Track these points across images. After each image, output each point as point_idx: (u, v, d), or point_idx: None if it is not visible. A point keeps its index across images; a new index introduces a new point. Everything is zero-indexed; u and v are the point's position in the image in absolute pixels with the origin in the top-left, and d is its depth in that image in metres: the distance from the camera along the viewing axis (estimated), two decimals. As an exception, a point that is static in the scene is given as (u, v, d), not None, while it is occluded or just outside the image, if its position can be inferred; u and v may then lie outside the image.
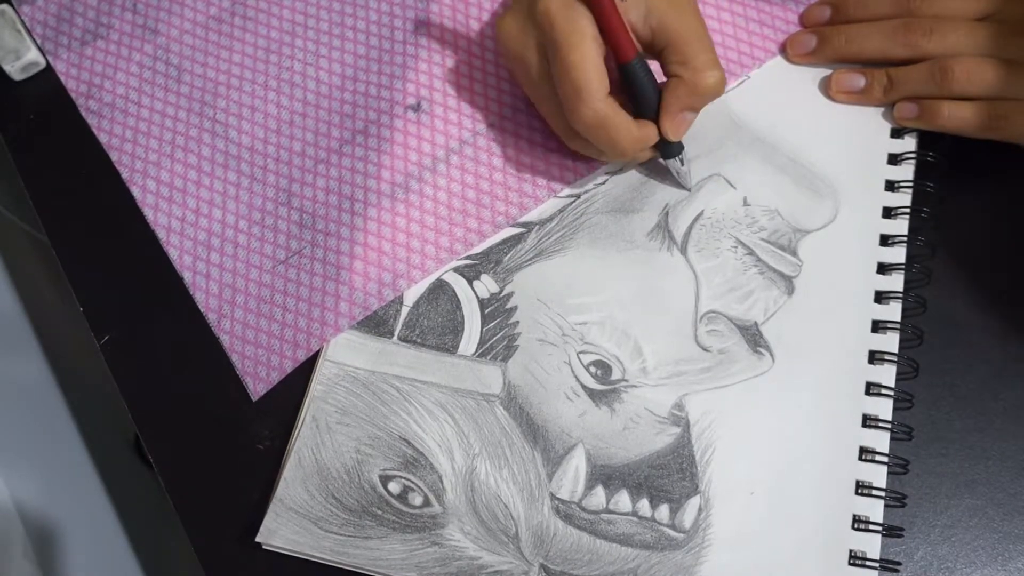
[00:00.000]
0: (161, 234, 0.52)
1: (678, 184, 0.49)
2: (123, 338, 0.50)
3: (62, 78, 0.56)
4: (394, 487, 0.45)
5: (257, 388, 0.47)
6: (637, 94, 0.46)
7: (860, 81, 0.50)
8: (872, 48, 0.50)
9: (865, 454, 0.43)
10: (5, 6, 0.57)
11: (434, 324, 0.48)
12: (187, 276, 0.50)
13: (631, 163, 0.50)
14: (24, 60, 0.55)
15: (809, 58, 0.51)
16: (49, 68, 0.56)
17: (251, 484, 0.46)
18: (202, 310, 0.49)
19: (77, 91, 0.56)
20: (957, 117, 0.48)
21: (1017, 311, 0.46)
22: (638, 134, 0.46)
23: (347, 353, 0.47)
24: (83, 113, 0.55)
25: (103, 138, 0.54)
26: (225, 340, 0.49)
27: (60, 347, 0.69)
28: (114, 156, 0.54)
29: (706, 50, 0.46)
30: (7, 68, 0.55)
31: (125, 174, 0.53)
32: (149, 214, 0.52)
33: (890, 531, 0.42)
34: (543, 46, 0.46)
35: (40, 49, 0.56)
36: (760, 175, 0.49)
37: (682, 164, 0.48)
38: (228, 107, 0.54)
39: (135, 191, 0.53)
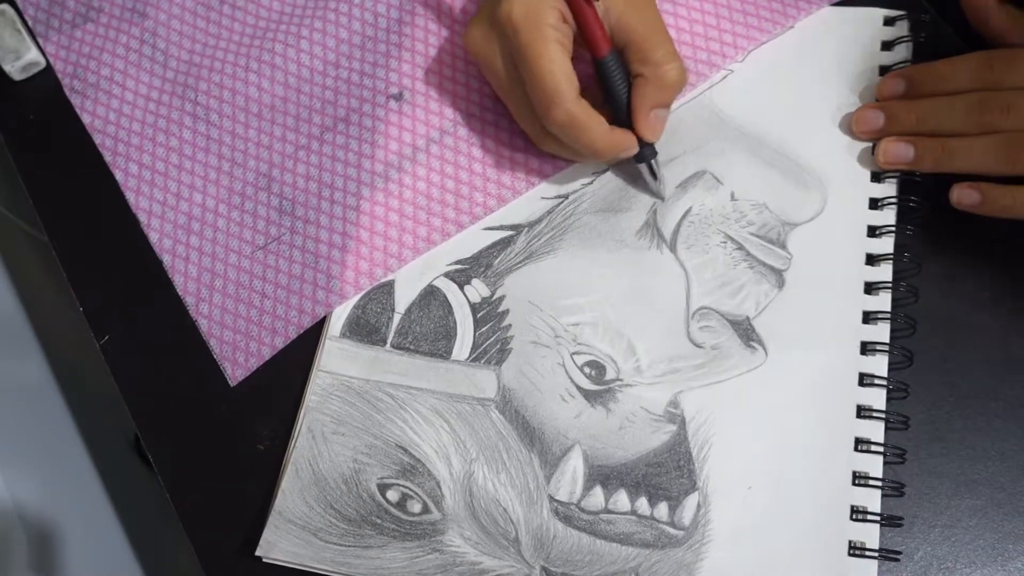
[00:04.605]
0: (142, 217, 0.52)
1: (646, 194, 0.49)
2: (123, 338, 0.50)
3: (50, 59, 0.56)
4: (392, 495, 0.45)
5: (235, 373, 0.48)
6: (610, 90, 0.47)
7: (910, 153, 0.47)
8: (945, 129, 0.46)
9: (861, 444, 0.44)
10: (5, 6, 0.57)
11: (426, 330, 0.48)
12: (166, 259, 0.51)
13: (607, 163, 0.50)
14: (24, 60, 0.55)
15: (876, 135, 0.48)
16: (49, 68, 0.56)
17: (252, 485, 0.46)
18: (180, 294, 0.50)
19: (64, 72, 0.56)
20: None
21: (1017, 310, 0.46)
22: (613, 135, 0.46)
23: (340, 362, 0.47)
24: (67, 93, 0.55)
25: (86, 119, 0.55)
26: (203, 324, 0.49)
27: (60, 347, 0.69)
28: (97, 139, 0.54)
29: (663, 44, 0.46)
30: (7, 68, 0.55)
31: (108, 157, 0.53)
32: (131, 197, 0.52)
33: (889, 520, 0.42)
34: (508, 52, 0.47)
35: (40, 49, 0.56)
36: (747, 170, 0.49)
37: (653, 172, 0.48)
38: (210, 90, 0.55)
39: (118, 174, 0.53)
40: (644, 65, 0.46)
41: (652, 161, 0.48)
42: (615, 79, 0.47)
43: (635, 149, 0.47)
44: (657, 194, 0.49)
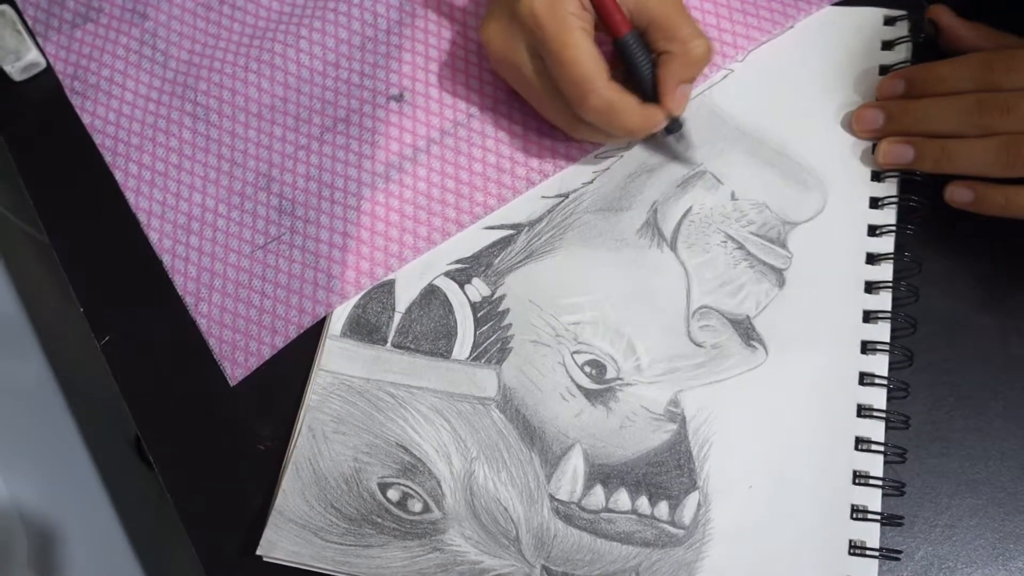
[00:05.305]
0: (142, 218, 0.52)
1: (679, 164, 0.50)
2: (123, 338, 0.50)
3: (50, 59, 0.56)
4: (393, 494, 0.44)
5: (235, 373, 0.48)
6: (633, 67, 0.47)
7: (909, 155, 0.47)
8: (944, 130, 0.46)
9: (861, 444, 0.44)
10: (5, 7, 0.57)
11: (427, 329, 0.48)
12: (166, 259, 0.51)
13: (633, 142, 0.51)
14: (24, 61, 0.55)
15: (876, 135, 0.49)
16: (49, 69, 0.57)
17: (253, 485, 0.46)
18: (180, 293, 0.50)
19: (64, 72, 0.56)
20: (1018, 205, 0.44)
21: (1017, 310, 0.46)
22: (645, 112, 0.47)
23: (341, 361, 0.47)
24: (67, 93, 0.55)
25: (86, 119, 0.55)
26: (202, 324, 0.49)
27: (60, 347, 0.69)
28: (97, 139, 0.54)
29: (688, 22, 0.47)
30: (7, 69, 0.55)
31: (108, 157, 0.54)
32: (131, 198, 0.53)
33: (889, 520, 0.42)
34: (532, 46, 0.47)
35: (40, 49, 0.56)
36: (747, 169, 0.49)
37: (679, 141, 0.49)
38: (210, 90, 0.55)
39: (118, 175, 0.53)
40: (671, 42, 0.46)
41: (678, 133, 0.49)
42: (638, 57, 0.47)
43: (664, 123, 0.48)
44: (689, 161, 0.50)
